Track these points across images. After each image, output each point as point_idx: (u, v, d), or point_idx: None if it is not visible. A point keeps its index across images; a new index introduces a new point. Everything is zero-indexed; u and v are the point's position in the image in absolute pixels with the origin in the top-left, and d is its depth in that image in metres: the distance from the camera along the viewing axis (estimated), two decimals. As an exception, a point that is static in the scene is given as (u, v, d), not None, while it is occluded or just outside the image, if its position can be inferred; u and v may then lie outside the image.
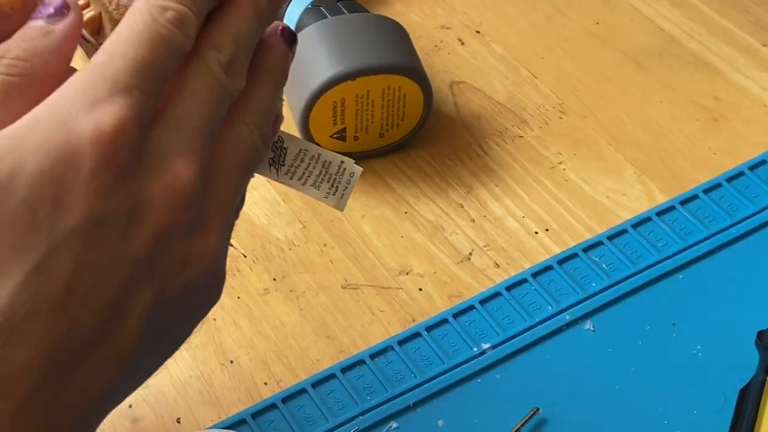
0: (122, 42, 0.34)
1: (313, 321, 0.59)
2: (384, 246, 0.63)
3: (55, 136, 0.33)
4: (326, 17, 0.67)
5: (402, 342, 0.57)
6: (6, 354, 0.32)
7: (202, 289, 0.37)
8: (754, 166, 0.63)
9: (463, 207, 0.65)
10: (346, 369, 0.56)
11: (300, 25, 0.68)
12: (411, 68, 0.65)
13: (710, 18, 0.75)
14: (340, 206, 0.44)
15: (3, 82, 0.35)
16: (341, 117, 0.65)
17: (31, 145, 0.33)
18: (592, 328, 0.57)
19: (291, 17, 0.70)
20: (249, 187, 0.66)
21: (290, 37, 0.40)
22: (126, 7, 0.38)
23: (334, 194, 0.44)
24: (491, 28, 0.76)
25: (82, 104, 0.33)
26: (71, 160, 0.33)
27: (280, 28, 0.40)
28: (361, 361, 0.56)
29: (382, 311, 0.60)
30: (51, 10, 0.36)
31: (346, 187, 0.44)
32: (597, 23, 0.76)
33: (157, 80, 0.35)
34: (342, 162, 0.44)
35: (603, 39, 0.74)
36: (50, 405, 0.33)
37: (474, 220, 0.64)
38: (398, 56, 0.65)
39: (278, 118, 0.41)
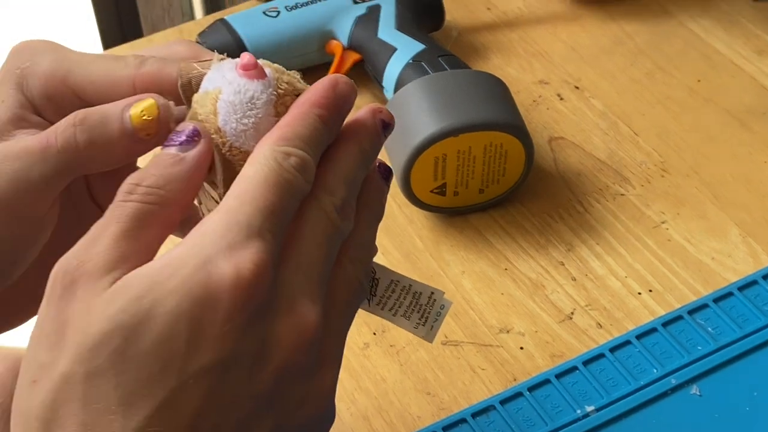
0: (251, 187, 0.36)
1: (413, 377, 0.59)
2: (484, 302, 0.63)
3: (195, 278, 0.34)
4: (428, 73, 0.68)
5: (504, 401, 0.57)
6: None
7: (315, 426, 0.38)
8: None
9: (563, 265, 0.64)
10: (447, 428, 0.56)
11: (401, 81, 0.69)
12: (513, 125, 0.65)
13: (816, 77, 0.74)
14: (429, 338, 0.45)
15: (139, 210, 0.36)
16: (442, 172, 0.65)
17: (171, 285, 0.34)
18: (698, 393, 0.56)
19: (392, 73, 0.70)
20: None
21: (386, 173, 0.42)
22: (240, 150, 0.39)
23: (423, 325, 0.44)
24: (590, 83, 0.76)
25: (221, 248, 0.35)
26: (209, 302, 0.34)
27: (377, 164, 0.42)
28: (463, 420, 0.56)
29: (483, 369, 0.59)
30: (183, 137, 0.38)
31: (436, 319, 0.44)
32: (699, 81, 0.75)
33: (284, 224, 0.37)
34: (432, 293, 0.45)
35: (705, 97, 0.74)
36: None
37: (575, 279, 0.64)
38: (500, 113, 0.65)
39: (373, 250, 0.42)
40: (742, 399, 0.55)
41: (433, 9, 0.77)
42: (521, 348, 0.60)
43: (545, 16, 0.81)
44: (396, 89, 0.69)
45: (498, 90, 0.67)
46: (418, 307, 0.44)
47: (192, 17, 1.04)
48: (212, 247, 0.35)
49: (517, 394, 0.57)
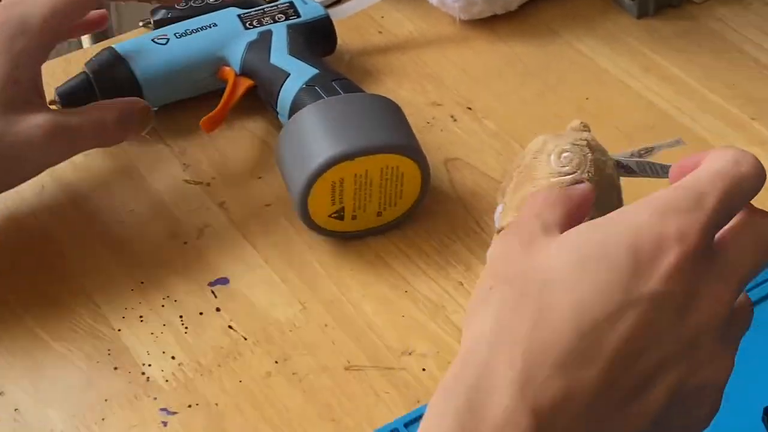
0: (706, 174, 0.42)
1: (317, 404, 0.59)
2: (385, 325, 0.63)
3: (646, 223, 0.41)
4: (322, 97, 0.68)
5: (408, 424, 0.57)
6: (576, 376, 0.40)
7: (706, 400, 0.43)
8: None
9: (463, 285, 0.65)
10: (353, 453, 0.55)
11: (295, 106, 0.69)
12: (409, 147, 0.65)
13: (700, 93, 0.76)
14: None
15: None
16: (339, 197, 0.65)
17: (622, 228, 0.42)
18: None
19: (286, 98, 0.70)
20: (246, 269, 0.66)
21: None
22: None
23: None
24: (483, 104, 0.77)
25: (672, 208, 0.41)
26: (660, 245, 0.40)
27: None
28: (368, 445, 0.56)
29: (386, 393, 0.59)
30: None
31: None
32: (587, 99, 0.76)
33: (727, 216, 0.42)
34: None
35: (594, 114, 0.75)
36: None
37: (474, 298, 0.64)
38: (396, 135, 0.65)
39: None
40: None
41: (324, 33, 0.77)
42: (423, 369, 0.60)
43: (436, 39, 0.82)
44: (290, 114, 0.68)
45: (392, 113, 0.67)
46: None
47: (80, 45, 1.03)
48: (663, 207, 0.41)
49: (421, 417, 0.57)
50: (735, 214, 0.43)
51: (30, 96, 0.64)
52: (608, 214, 0.43)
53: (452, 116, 0.76)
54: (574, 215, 0.46)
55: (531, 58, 0.80)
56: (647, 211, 0.42)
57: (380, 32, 0.83)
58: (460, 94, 0.78)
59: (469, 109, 0.77)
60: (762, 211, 0.44)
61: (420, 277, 0.65)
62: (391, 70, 0.80)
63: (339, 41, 0.80)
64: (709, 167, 0.43)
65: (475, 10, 0.81)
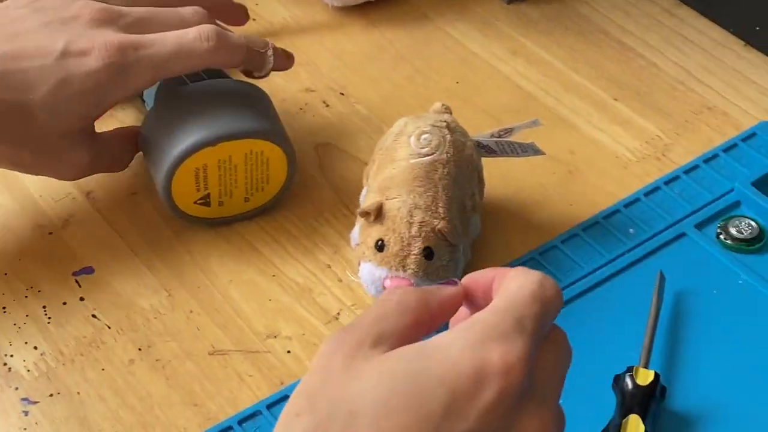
0: (520, 296, 0.42)
1: (180, 390, 0.59)
2: (252, 310, 0.63)
3: (465, 356, 0.39)
4: (186, 83, 0.68)
5: (271, 405, 0.57)
6: None
7: None
8: (608, 216, 0.65)
9: (330, 267, 0.65)
10: (213, 436, 0.56)
11: (159, 93, 0.69)
12: (272, 132, 0.65)
13: (565, 74, 0.77)
14: None
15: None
16: (204, 183, 0.65)
17: (440, 357, 0.40)
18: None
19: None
20: (112, 258, 0.66)
21: None
22: None
23: None
24: (355, 89, 0.77)
25: (492, 337, 0.40)
26: (479, 379, 0.39)
27: None
28: (229, 428, 0.56)
29: (250, 376, 0.59)
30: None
31: None
32: (457, 82, 0.77)
33: (542, 334, 0.41)
34: None
35: (463, 98, 0.76)
36: None
37: (341, 280, 0.65)
38: (259, 121, 0.65)
39: None
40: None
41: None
42: (288, 352, 0.61)
43: (310, 26, 0.83)
44: (156, 101, 0.68)
45: (257, 98, 0.67)
46: None
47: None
48: (482, 334, 0.40)
49: (284, 397, 0.57)
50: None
51: None
52: (433, 339, 0.41)
53: (325, 102, 0.77)
54: (425, 324, 0.43)
55: (403, 43, 0.81)
56: (467, 340, 0.40)
57: (254, 19, 0.83)
58: (334, 79, 0.78)
59: (342, 94, 0.77)
60: (556, 326, 0.44)
61: (288, 261, 0.66)
62: (265, 57, 0.80)
63: (213, 30, 0.80)
64: (522, 290, 0.42)
65: (347, -3, 0.81)
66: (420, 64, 0.79)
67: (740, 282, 0.61)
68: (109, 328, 0.62)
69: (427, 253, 0.59)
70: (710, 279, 0.61)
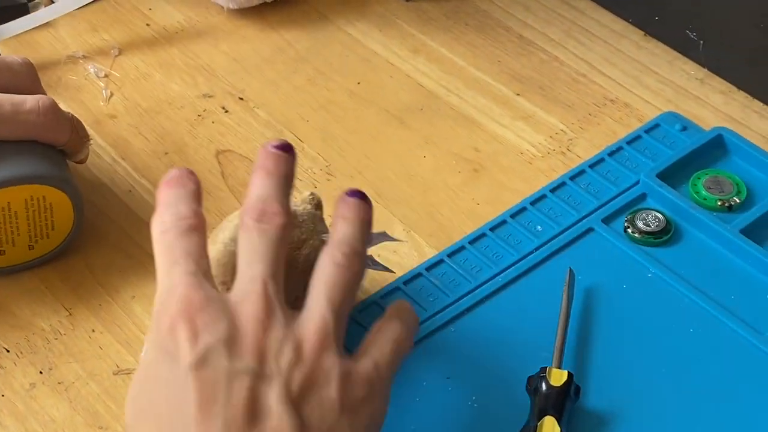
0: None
1: (83, 412, 0.57)
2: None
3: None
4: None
5: (179, 425, 0.55)
6: None
7: None
8: (515, 214, 0.65)
9: (235, 278, 0.64)
10: (120, 460, 0.54)
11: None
12: (52, 176, 0.61)
13: (466, 71, 0.76)
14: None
15: None
16: None
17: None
18: (369, 391, 0.56)
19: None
20: (6, 277, 0.63)
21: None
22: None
23: None
24: (254, 93, 0.76)
25: None
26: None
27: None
28: (137, 450, 0.54)
29: (156, 395, 0.58)
30: None
31: None
32: (359, 83, 0.76)
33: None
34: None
35: (365, 98, 0.75)
36: None
37: (247, 291, 0.63)
38: (37, 165, 0.61)
39: None
40: (413, 390, 0.56)
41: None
42: (195, 368, 0.59)
43: (206, 29, 0.81)
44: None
45: (36, 142, 0.62)
46: None
47: None
48: None
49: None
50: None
51: None
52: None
53: (224, 107, 0.75)
54: None
55: (302, 44, 0.79)
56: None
57: (148, 24, 0.81)
58: (232, 84, 0.76)
59: (241, 99, 0.75)
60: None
61: (192, 274, 0.64)
62: (160, 63, 0.78)
63: (106, 36, 0.79)
64: None
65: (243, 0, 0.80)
66: (320, 65, 0.78)
67: (649, 275, 0.61)
68: (8, 351, 0.59)
69: None
70: (620, 273, 0.61)
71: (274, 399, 0.41)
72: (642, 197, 0.65)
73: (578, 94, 0.75)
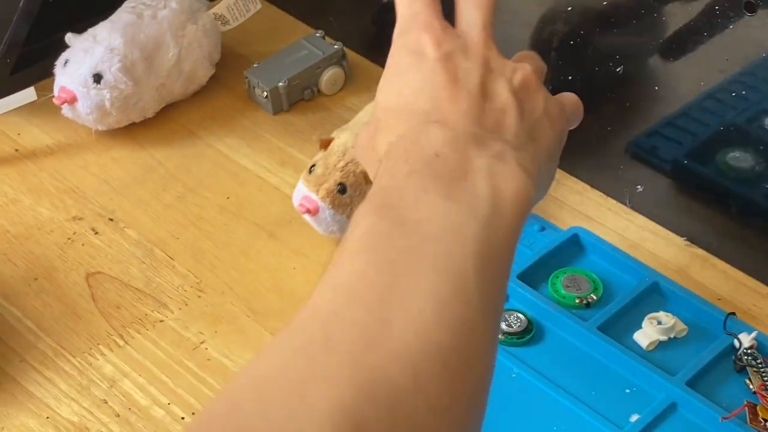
0: None
1: None
2: (25, 457, 0.61)
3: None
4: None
5: None
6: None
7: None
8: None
9: (107, 403, 0.64)
10: None
11: None
12: None
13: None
14: None
15: None
16: None
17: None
18: None
19: None
20: None
21: None
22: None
23: None
24: (125, 213, 0.76)
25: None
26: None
27: None
28: None
29: None
30: None
31: None
32: (228, 198, 0.77)
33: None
34: None
35: (235, 212, 0.76)
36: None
37: (119, 415, 0.63)
38: None
39: None
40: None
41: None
42: (66, 498, 0.58)
43: (76, 152, 0.81)
44: None
45: None
46: None
47: None
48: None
49: None
50: None
51: None
52: None
53: (93, 229, 0.75)
54: None
55: (172, 161, 0.80)
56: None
57: (17, 150, 0.81)
58: (102, 205, 0.77)
59: (111, 220, 0.76)
60: None
61: (62, 401, 0.64)
62: (29, 188, 0.78)
63: (-27, 162, 0.79)
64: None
65: (111, 121, 0.80)
66: (190, 182, 0.79)
67: (513, 375, 0.63)
68: None
69: (341, 188, 0.68)
70: (485, 375, 0.63)
71: (500, 87, 0.50)
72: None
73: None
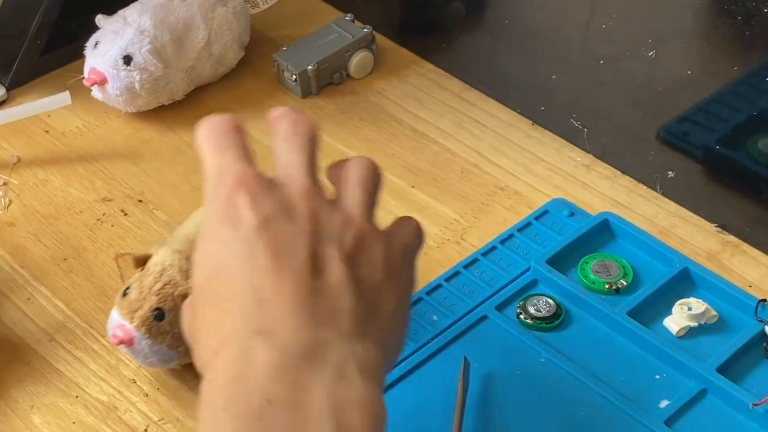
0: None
1: None
2: (55, 436, 0.61)
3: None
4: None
5: None
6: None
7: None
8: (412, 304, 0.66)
9: (135, 382, 0.64)
10: None
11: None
12: None
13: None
14: None
15: None
16: None
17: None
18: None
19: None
20: None
21: None
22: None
23: None
24: (153, 195, 0.76)
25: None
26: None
27: None
28: None
29: (55, 506, 0.57)
30: None
31: None
32: (257, 180, 0.77)
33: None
34: None
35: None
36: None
37: (148, 395, 0.63)
38: None
39: None
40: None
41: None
42: (95, 476, 0.59)
43: (105, 134, 0.81)
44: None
45: None
46: None
47: None
48: None
49: None
50: None
51: None
52: None
53: (123, 210, 0.75)
54: None
55: (200, 144, 0.80)
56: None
57: (47, 131, 0.82)
58: (131, 186, 0.77)
59: (140, 201, 0.76)
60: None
61: (92, 381, 0.64)
62: (59, 169, 0.78)
63: (5, 144, 0.79)
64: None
65: (140, 102, 0.80)
66: (219, 164, 0.79)
67: (542, 360, 0.62)
68: None
69: (159, 314, 0.59)
70: (514, 359, 0.63)
71: (331, 256, 0.44)
72: (533, 283, 0.67)
73: (471, 183, 0.77)
